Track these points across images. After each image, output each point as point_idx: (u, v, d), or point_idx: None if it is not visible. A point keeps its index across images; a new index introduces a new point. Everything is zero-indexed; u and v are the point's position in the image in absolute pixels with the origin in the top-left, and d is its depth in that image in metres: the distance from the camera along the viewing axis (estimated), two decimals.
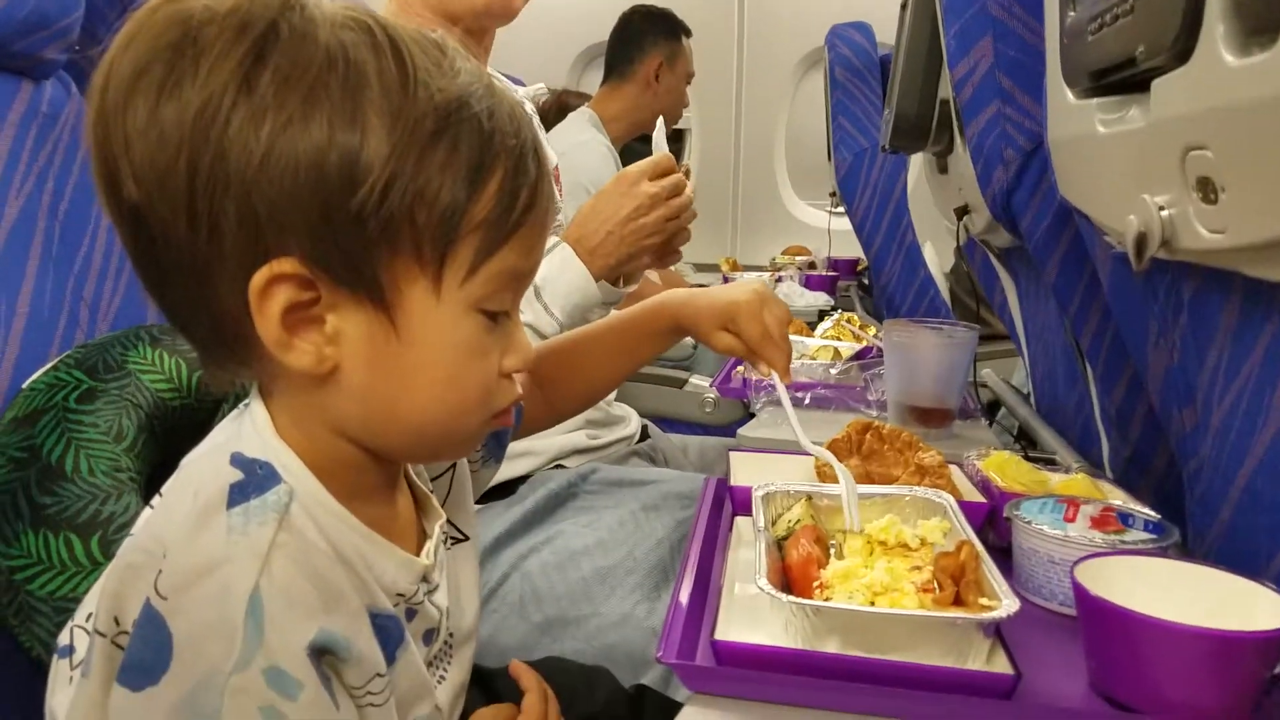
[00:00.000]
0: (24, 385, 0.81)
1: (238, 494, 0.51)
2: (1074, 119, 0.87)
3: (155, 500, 0.60)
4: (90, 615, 0.59)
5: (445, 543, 0.68)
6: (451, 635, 0.67)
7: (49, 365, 0.83)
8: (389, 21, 0.51)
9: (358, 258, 0.50)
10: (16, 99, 0.94)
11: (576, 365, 0.92)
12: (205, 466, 0.54)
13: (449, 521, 0.68)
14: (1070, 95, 0.87)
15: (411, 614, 0.61)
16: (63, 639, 0.61)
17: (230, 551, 0.49)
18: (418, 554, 0.61)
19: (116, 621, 0.51)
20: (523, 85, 1.50)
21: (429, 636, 0.64)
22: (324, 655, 0.51)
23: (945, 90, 1.42)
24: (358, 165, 0.48)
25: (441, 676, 0.66)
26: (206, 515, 0.50)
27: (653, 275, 3.00)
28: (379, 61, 0.49)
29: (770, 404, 1.39)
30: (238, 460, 0.53)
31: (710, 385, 1.78)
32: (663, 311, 0.95)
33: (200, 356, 0.56)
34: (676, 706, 0.86)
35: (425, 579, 0.61)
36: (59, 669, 0.60)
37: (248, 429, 0.55)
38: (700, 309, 0.93)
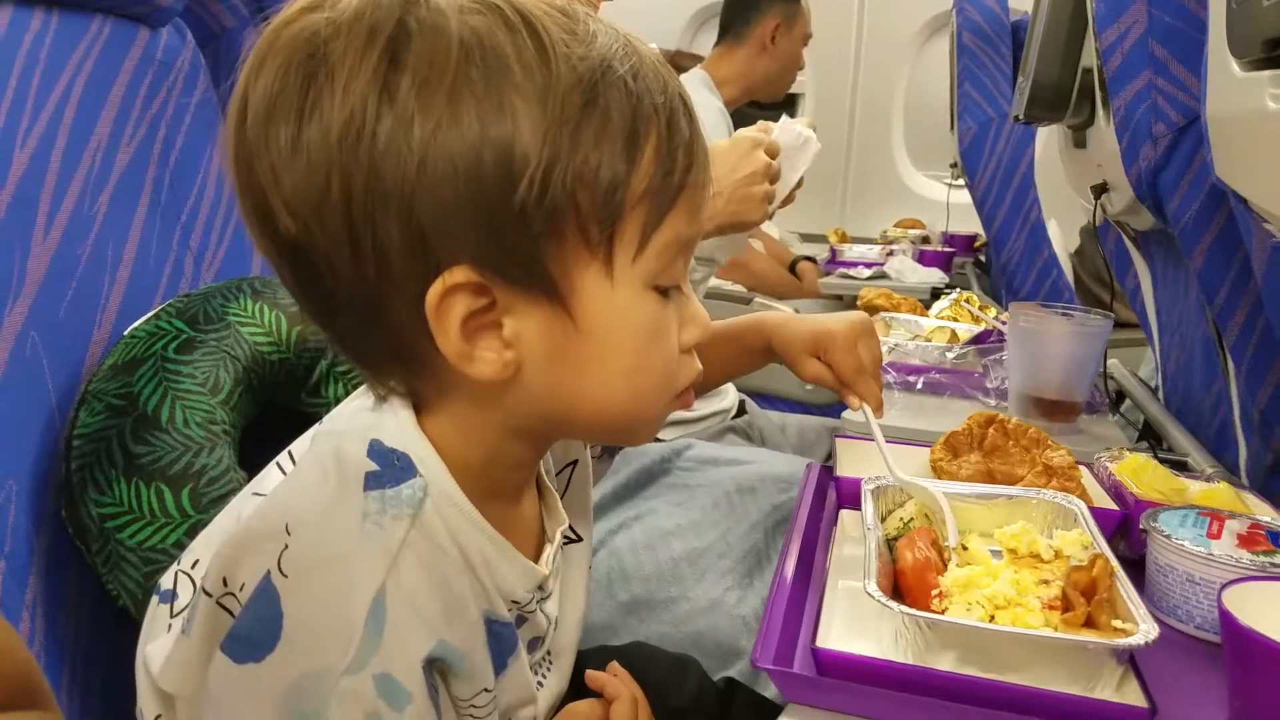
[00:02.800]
0: (125, 332, 0.81)
1: (373, 482, 0.50)
2: (1239, 93, 0.80)
3: (287, 465, 0.60)
4: (196, 562, 0.59)
5: (566, 541, 0.66)
6: (553, 644, 0.66)
7: (151, 314, 0.83)
8: None
9: (527, 254, 0.48)
10: (133, 45, 0.94)
11: None
12: (342, 447, 0.53)
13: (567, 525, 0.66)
14: (1236, 67, 0.80)
15: (521, 621, 0.59)
16: (165, 582, 0.61)
17: (363, 544, 0.48)
18: (536, 557, 0.60)
19: (225, 583, 0.51)
20: None
21: (533, 645, 0.62)
22: (435, 663, 0.50)
23: (1089, 58, 1.33)
24: (514, 157, 0.46)
25: (540, 682, 0.65)
26: (341, 499, 0.50)
27: (756, 244, 2.94)
28: (515, 41, 0.46)
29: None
30: (375, 449, 0.52)
31: None
32: (761, 330, 0.93)
33: (372, 380, 0.54)
34: (767, 704, 0.83)
35: (540, 587, 0.60)
36: (158, 612, 0.60)
37: (389, 418, 0.54)
38: (793, 334, 0.90)
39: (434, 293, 0.47)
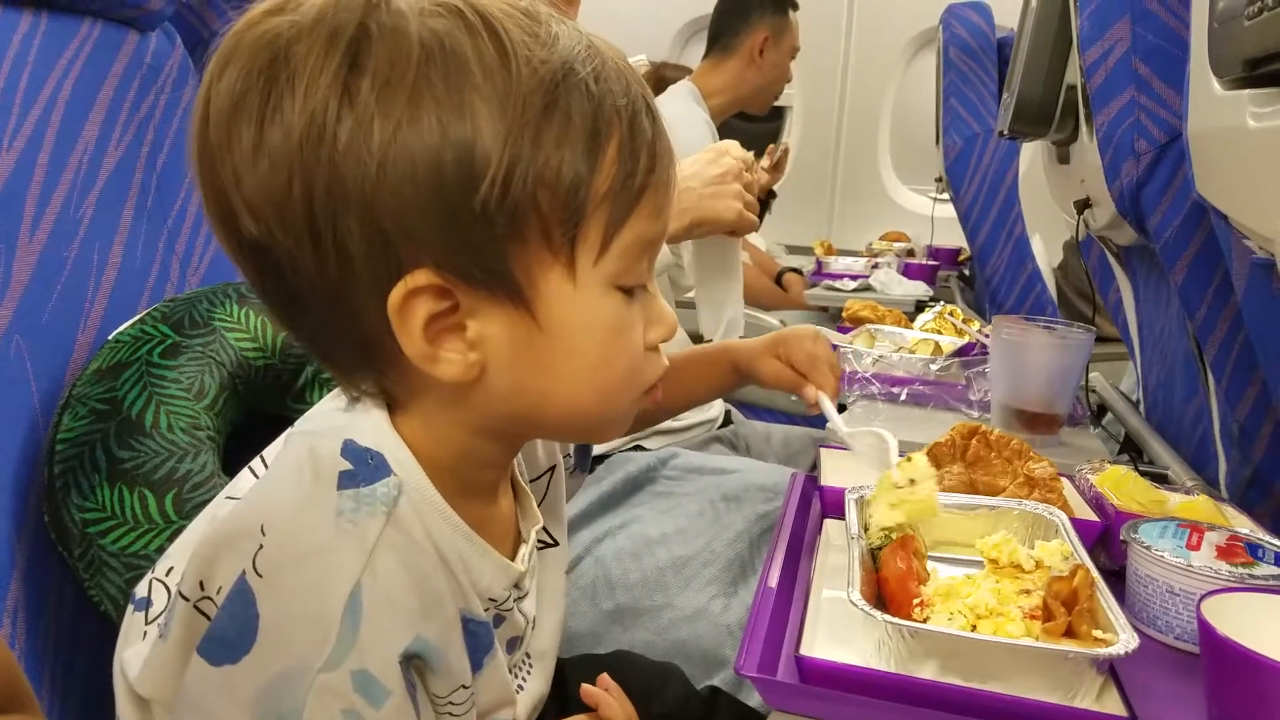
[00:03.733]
0: (110, 336, 0.81)
1: (347, 481, 0.50)
2: (1220, 111, 0.80)
3: (259, 469, 0.59)
4: (171, 569, 0.59)
5: (541, 545, 0.66)
6: (531, 646, 0.65)
7: (136, 318, 0.83)
8: None
9: (490, 256, 0.48)
10: (122, 49, 0.94)
11: None
12: (316, 446, 0.52)
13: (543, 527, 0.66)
14: (1217, 85, 0.81)
15: (499, 620, 0.59)
16: (139, 590, 0.60)
17: (337, 541, 0.48)
18: (512, 557, 0.60)
19: (202, 586, 0.50)
20: None
21: (512, 645, 0.62)
22: (413, 659, 0.49)
23: (1073, 75, 1.34)
24: (474, 159, 0.46)
25: (520, 685, 0.64)
26: (316, 497, 0.49)
27: (744, 255, 2.94)
28: (475, 43, 0.46)
29: (864, 398, 1.33)
30: (349, 448, 0.52)
31: None
32: (725, 350, 0.98)
33: (342, 380, 0.54)
34: (750, 712, 0.83)
35: (517, 585, 0.59)
36: (133, 621, 0.60)
37: (363, 418, 0.54)
38: (754, 343, 0.96)
39: (396, 295, 0.47)
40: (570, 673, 0.81)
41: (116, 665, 0.58)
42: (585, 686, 0.70)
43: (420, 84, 0.45)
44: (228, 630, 0.47)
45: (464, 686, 0.53)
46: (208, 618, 0.50)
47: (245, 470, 0.63)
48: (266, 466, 0.61)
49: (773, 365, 0.94)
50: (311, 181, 0.46)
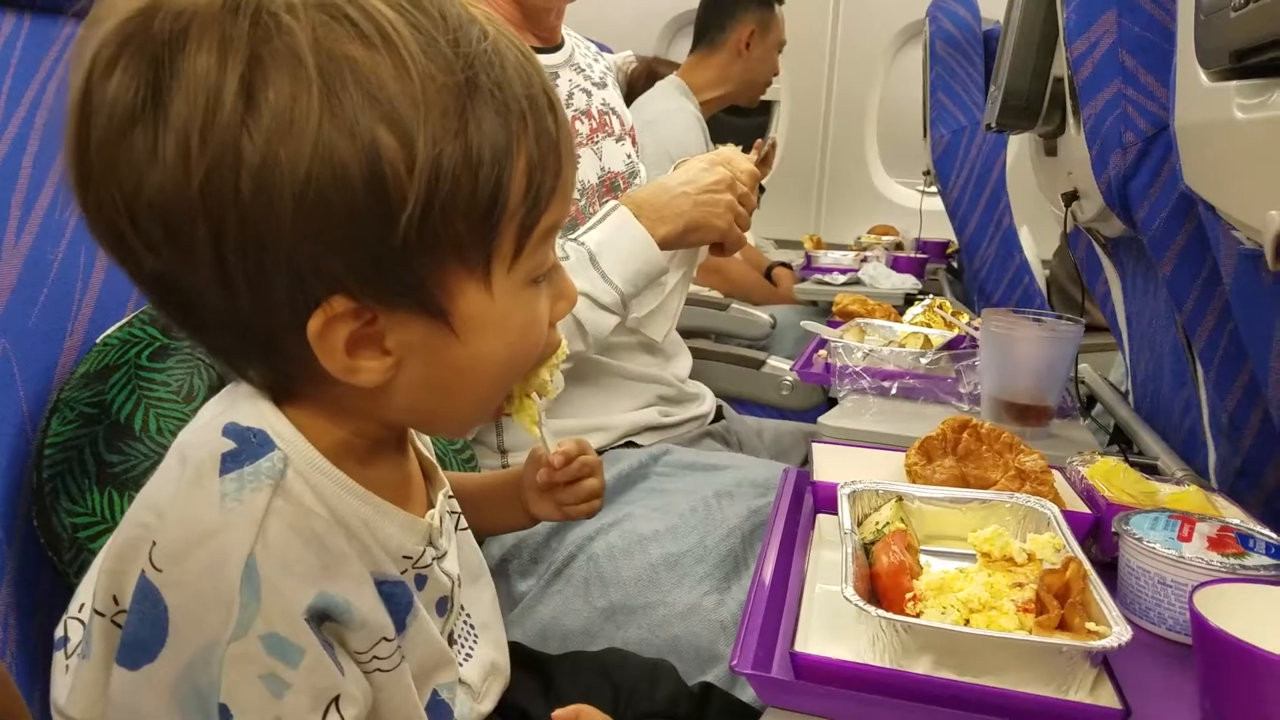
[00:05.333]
0: (98, 339, 0.80)
1: (230, 461, 0.50)
2: (1207, 103, 0.81)
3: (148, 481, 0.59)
4: (83, 606, 0.58)
5: (456, 524, 0.68)
6: (471, 615, 0.66)
7: (123, 320, 0.82)
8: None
9: (408, 283, 0.49)
10: None
11: None
12: (194, 440, 0.53)
13: (452, 497, 0.67)
14: (1204, 77, 0.81)
15: (422, 580, 0.60)
16: (58, 631, 0.59)
17: (225, 519, 0.48)
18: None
19: (115, 600, 0.50)
20: (611, 52, 1.48)
21: (442, 606, 0.63)
22: (324, 622, 0.50)
23: (1059, 67, 1.34)
24: (389, 195, 0.46)
25: (468, 655, 0.65)
26: (198, 483, 0.50)
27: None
28: (373, 58, 0.45)
29: (854, 392, 1.33)
30: (230, 429, 0.52)
31: (791, 369, 1.72)
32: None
33: (231, 368, 0.54)
34: (743, 708, 0.83)
35: (432, 544, 0.60)
36: (56, 662, 0.58)
37: (243, 403, 0.54)
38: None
39: (316, 323, 0.48)
40: (561, 670, 0.81)
41: (52, 707, 0.57)
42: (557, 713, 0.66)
43: (324, 121, 0.44)
44: (140, 631, 0.48)
45: (385, 639, 0.53)
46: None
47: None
48: None
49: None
50: (219, 225, 0.45)
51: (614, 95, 1.41)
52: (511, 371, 0.57)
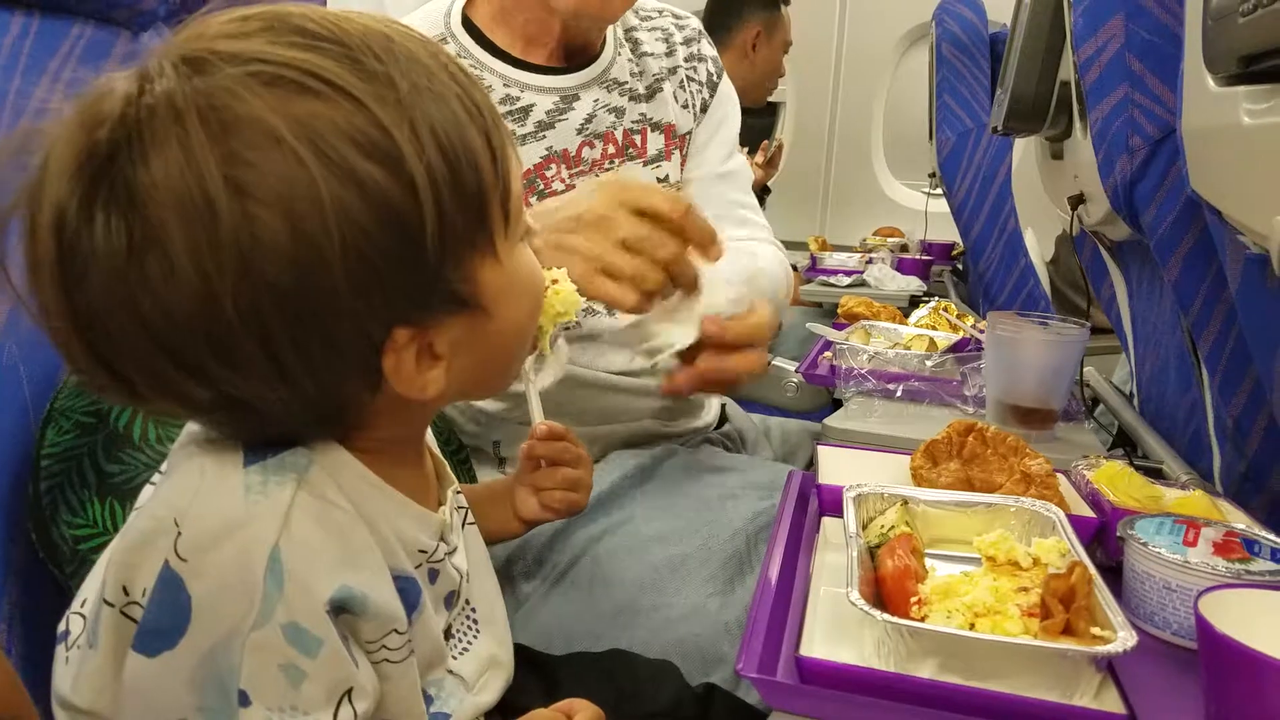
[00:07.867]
0: None
1: (252, 456, 0.51)
2: (1215, 108, 0.81)
3: (157, 477, 0.60)
4: (85, 601, 0.58)
5: (464, 520, 0.69)
6: (475, 610, 0.68)
7: None
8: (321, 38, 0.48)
9: (444, 290, 0.52)
10: (114, 51, 0.93)
11: None
12: (210, 437, 0.54)
13: (459, 493, 0.69)
14: (1211, 82, 0.81)
15: (434, 575, 0.61)
16: (61, 626, 0.59)
17: (251, 511, 0.49)
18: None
19: (125, 591, 0.51)
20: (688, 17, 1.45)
21: (450, 600, 0.64)
22: (341, 614, 0.51)
23: (1066, 71, 1.34)
24: (408, 222, 0.49)
25: (466, 647, 0.66)
26: (222, 480, 0.51)
27: None
28: (327, 105, 0.47)
29: (859, 394, 1.33)
30: None
31: (796, 370, 1.72)
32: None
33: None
34: (747, 710, 0.83)
35: (444, 539, 0.62)
36: (58, 655, 0.58)
37: None
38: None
39: (389, 363, 0.51)
40: (566, 671, 0.81)
41: (54, 699, 0.57)
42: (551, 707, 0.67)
43: (328, 181, 0.46)
44: (161, 619, 0.49)
45: (397, 631, 0.54)
46: (135, 621, 0.50)
47: (148, 487, 0.62)
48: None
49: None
50: (268, 330, 0.47)
51: (663, 103, 1.28)
52: (534, 318, 0.63)
